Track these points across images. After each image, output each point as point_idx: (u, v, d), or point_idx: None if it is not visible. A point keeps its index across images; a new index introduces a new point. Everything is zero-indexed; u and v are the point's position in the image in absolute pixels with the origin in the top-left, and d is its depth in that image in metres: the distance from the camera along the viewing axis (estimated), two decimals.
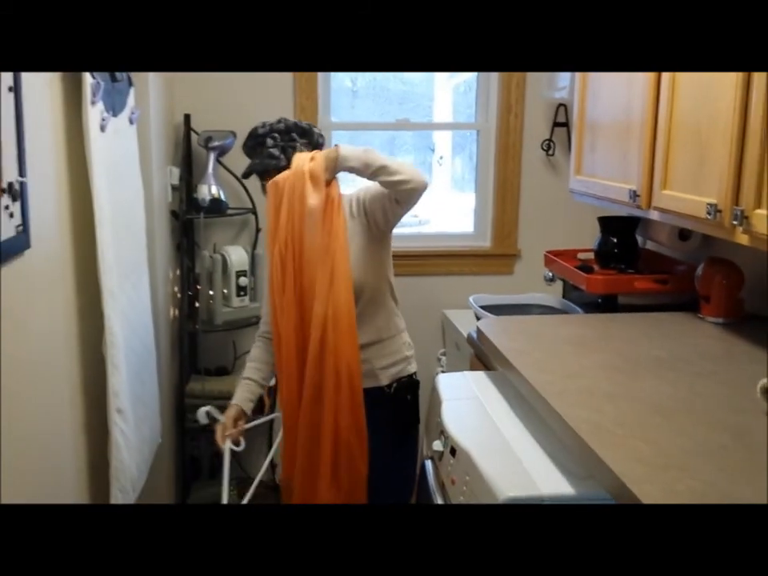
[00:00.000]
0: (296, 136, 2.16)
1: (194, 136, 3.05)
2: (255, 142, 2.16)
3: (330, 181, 2.03)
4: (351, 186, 2.29)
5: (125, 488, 2.11)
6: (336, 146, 2.02)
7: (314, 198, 1.99)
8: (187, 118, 3.05)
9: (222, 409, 3.00)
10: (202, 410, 2.27)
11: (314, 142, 2.20)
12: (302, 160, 2.03)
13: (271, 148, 2.13)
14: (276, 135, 2.15)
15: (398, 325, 2.27)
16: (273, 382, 2.41)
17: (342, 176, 2.09)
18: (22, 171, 1.53)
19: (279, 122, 2.17)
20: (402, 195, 2.02)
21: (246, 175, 2.23)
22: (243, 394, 2.26)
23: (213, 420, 2.26)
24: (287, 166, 2.07)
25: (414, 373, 2.29)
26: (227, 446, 2.19)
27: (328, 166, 2.00)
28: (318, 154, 2.04)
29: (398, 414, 2.26)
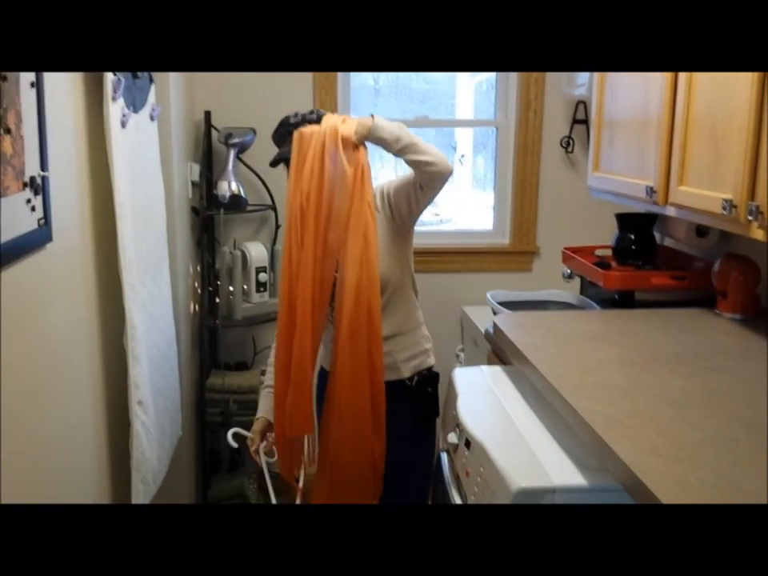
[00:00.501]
0: None
1: (214, 133, 3.09)
2: (285, 131, 2.16)
3: (359, 146, 2.00)
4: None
5: (146, 479, 2.14)
6: (371, 115, 2.00)
7: (345, 160, 1.96)
8: (207, 114, 3.09)
9: (243, 404, 3.05)
10: (229, 433, 2.23)
11: None
12: (334, 120, 2.00)
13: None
14: (307, 125, 2.16)
15: (418, 318, 2.29)
16: None
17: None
18: (43, 166, 1.56)
19: (312, 112, 2.18)
20: (426, 178, 2.01)
21: (274, 163, 2.23)
22: (267, 404, 2.21)
23: (242, 439, 2.24)
24: None
25: (433, 366, 2.31)
26: (263, 460, 2.18)
27: (359, 131, 1.97)
28: (350, 118, 2.02)
29: (420, 406, 2.28)
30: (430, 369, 2.29)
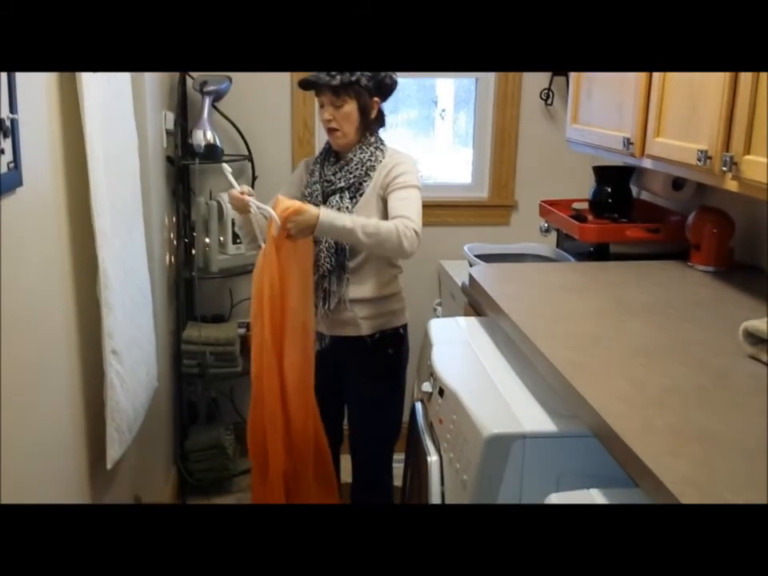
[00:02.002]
0: None
1: (189, 80, 3.04)
2: None
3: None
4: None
5: (120, 428, 2.14)
6: (319, 213, 2.07)
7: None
8: None
9: (219, 356, 3.05)
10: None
11: (378, 78, 2.25)
12: (281, 207, 2.08)
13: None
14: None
15: (389, 283, 2.36)
16: None
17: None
18: (12, 108, 1.53)
19: None
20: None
21: (302, 85, 2.28)
22: None
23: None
24: (339, 86, 2.20)
25: (402, 326, 2.35)
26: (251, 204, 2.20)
27: (297, 233, 2.08)
28: (303, 210, 2.07)
29: (378, 364, 2.34)
30: (396, 329, 2.34)
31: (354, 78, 2.21)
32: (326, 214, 2.09)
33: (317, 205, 2.24)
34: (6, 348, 1.56)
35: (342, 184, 2.29)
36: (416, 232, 2.12)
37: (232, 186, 2.26)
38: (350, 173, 2.28)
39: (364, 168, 2.27)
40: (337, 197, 2.27)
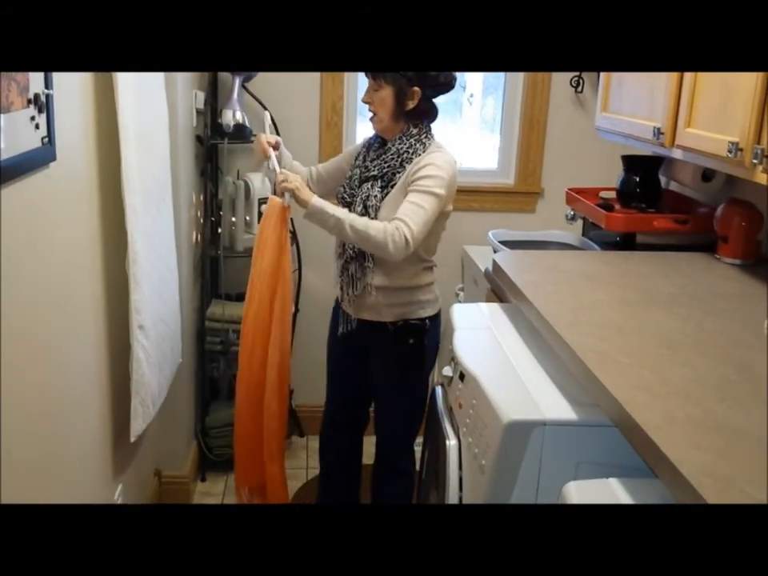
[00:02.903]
0: None
1: None
2: None
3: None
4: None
5: (145, 402, 2.18)
6: (312, 198, 2.14)
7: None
8: None
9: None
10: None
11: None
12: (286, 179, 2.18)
13: None
14: None
15: (417, 274, 2.31)
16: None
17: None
18: (48, 83, 1.55)
19: None
20: None
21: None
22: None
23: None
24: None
25: (427, 318, 2.32)
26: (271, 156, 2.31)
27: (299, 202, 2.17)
28: (291, 191, 2.17)
29: (398, 352, 2.33)
30: (421, 320, 2.31)
31: None
32: (318, 200, 2.13)
33: (352, 189, 2.26)
34: (37, 319, 1.59)
35: (375, 172, 2.25)
36: (407, 239, 2.07)
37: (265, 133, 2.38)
38: (386, 162, 2.24)
39: (400, 159, 2.22)
40: (369, 184, 2.24)
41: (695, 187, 2.58)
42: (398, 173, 2.21)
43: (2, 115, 1.35)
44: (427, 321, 2.31)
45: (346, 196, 2.30)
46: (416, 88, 2.20)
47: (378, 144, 2.32)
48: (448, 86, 2.27)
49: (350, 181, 2.32)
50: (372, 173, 2.25)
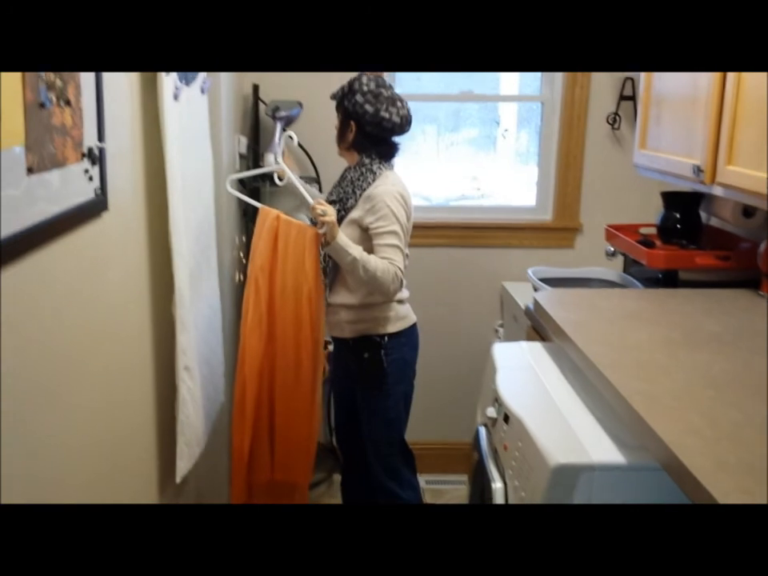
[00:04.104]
0: (380, 90, 2.42)
1: (261, 106, 3.12)
2: (351, 80, 2.45)
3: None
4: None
5: (190, 442, 2.20)
6: (338, 233, 2.28)
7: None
8: (256, 88, 3.12)
9: None
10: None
11: (356, 104, 2.41)
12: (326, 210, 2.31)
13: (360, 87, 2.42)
14: (365, 82, 2.43)
15: (377, 297, 2.43)
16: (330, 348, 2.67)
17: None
18: (101, 137, 1.61)
19: (377, 78, 2.47)
20: None
21: (333, 96, 2.51)
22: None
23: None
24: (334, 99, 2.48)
25: (387, 335, 2.45)
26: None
27: (325, 239, 2.31)
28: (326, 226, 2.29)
29: (360, 364, 2.50)
30: (379, 336, 2.45)
31: (340, 95, 2.44)
32: (342, 237, 2.29)
33: None
34: (88, 359, 1.63)
35: (334, 197, 2.49)
36: (401, 279, 2.33)
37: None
38: (342, 188, 2.48)
39: (352, 186, 2.44)
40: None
41: (736, 223, 2.57)
42: (350, 199, 2.42)
43: (55, 170, 1.40)
44: (386, 337, 2.44)
45: None
46: (351, 122, 2.42)
47: (345, 171, 2.56)
48: (394, 129, 2.43)
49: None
50: (332, 197, 2.51)
